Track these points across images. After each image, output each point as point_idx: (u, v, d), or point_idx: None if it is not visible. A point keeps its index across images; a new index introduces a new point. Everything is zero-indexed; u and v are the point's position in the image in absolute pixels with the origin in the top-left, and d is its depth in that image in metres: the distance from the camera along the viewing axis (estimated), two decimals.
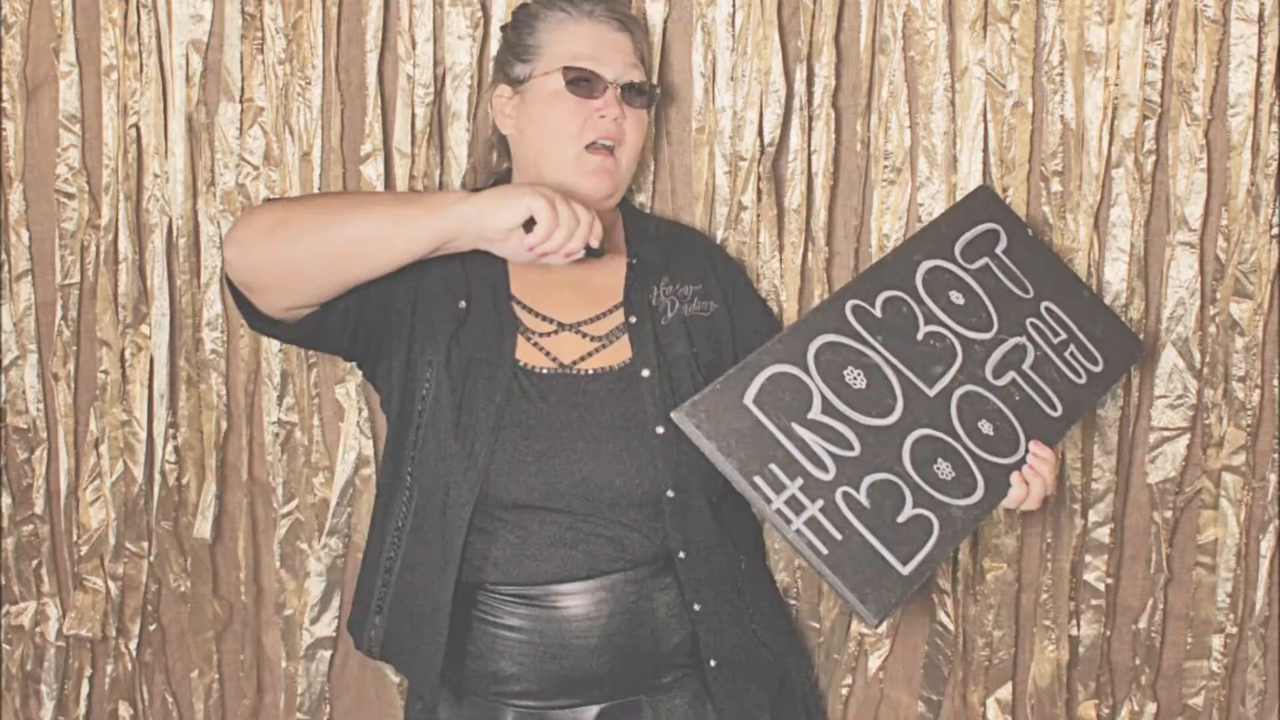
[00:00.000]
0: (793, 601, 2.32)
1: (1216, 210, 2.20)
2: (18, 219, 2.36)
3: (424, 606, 1.90)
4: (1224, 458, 2.26)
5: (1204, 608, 2.30)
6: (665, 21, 2.23)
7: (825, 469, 1.75)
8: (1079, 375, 1.97)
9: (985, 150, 2.21)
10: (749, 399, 1.75)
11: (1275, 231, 2.19)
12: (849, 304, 1.87)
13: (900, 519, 1.76)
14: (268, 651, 2.45)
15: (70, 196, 2.34)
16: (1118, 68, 2.17)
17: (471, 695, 1.95)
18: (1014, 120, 2.20)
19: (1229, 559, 2.28)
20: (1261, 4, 2.13)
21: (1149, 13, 2.16)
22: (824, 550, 1.71)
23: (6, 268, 2.37)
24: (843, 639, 2.35)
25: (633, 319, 1.96)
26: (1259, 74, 2.15)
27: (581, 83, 1.95)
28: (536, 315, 1.95)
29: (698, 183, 2.25)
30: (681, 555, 1.91)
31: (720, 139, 2.23)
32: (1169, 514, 2.28)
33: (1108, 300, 2.22)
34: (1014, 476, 1.85)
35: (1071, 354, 1.99)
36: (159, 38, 2.30)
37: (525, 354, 1.91)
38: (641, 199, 2.28)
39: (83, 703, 2.48)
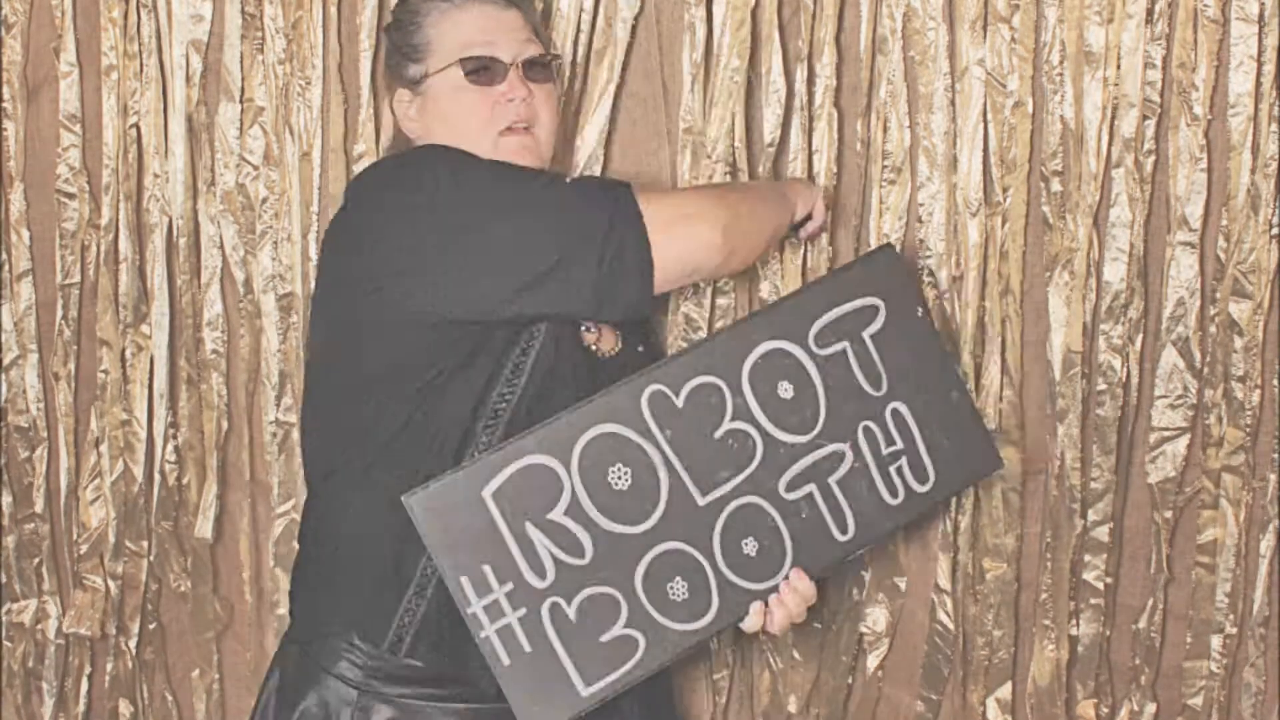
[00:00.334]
0: None
1: (1217, 210, 2.20)
2: (18, 219, 2.36)
3: None
4: (1223, 458, 2.26)
5: (1203, 608, 2.30)
6: (657, 20, 2.23)
7: (543, 576, 1.71)
8: (894, 495, 1.88)
9: (985, 150, 2.21)
10: (489, 491, 1.69)
11: (1275, 231, 2.19)
12: (649, 389, 1.76)
13: (604, 638, 1.72)
14: (267, 651, 2.45)
15: (70, 196, 2.35)
16: (1118, 68, 2.17)
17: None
18: (1014, 120, 2.20)
19: (1228, 559, 2.28)
20: (1261, 4, 2.13)
21: (1149, 13, 2.16)
22: (506, 661, 1.69)
23: (7, 268, 2.37)
24: (843, 638, 2.35)
25: None
26: (1259, 74, 2.15)
27: (481, 71, 1.90)
28: None
29: (683, 184, 2.24)
30: None
31: (709, 139, 2.23)
32: (1169, 514, 2.28)
33: (1107, 302, 2.22)
34: (755, 605, 1.79)
35: (898, 469, 1.89)
36: (159, 38, 2.30)
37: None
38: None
39: (83, 700, 2.49)
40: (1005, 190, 2.22)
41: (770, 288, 2.26)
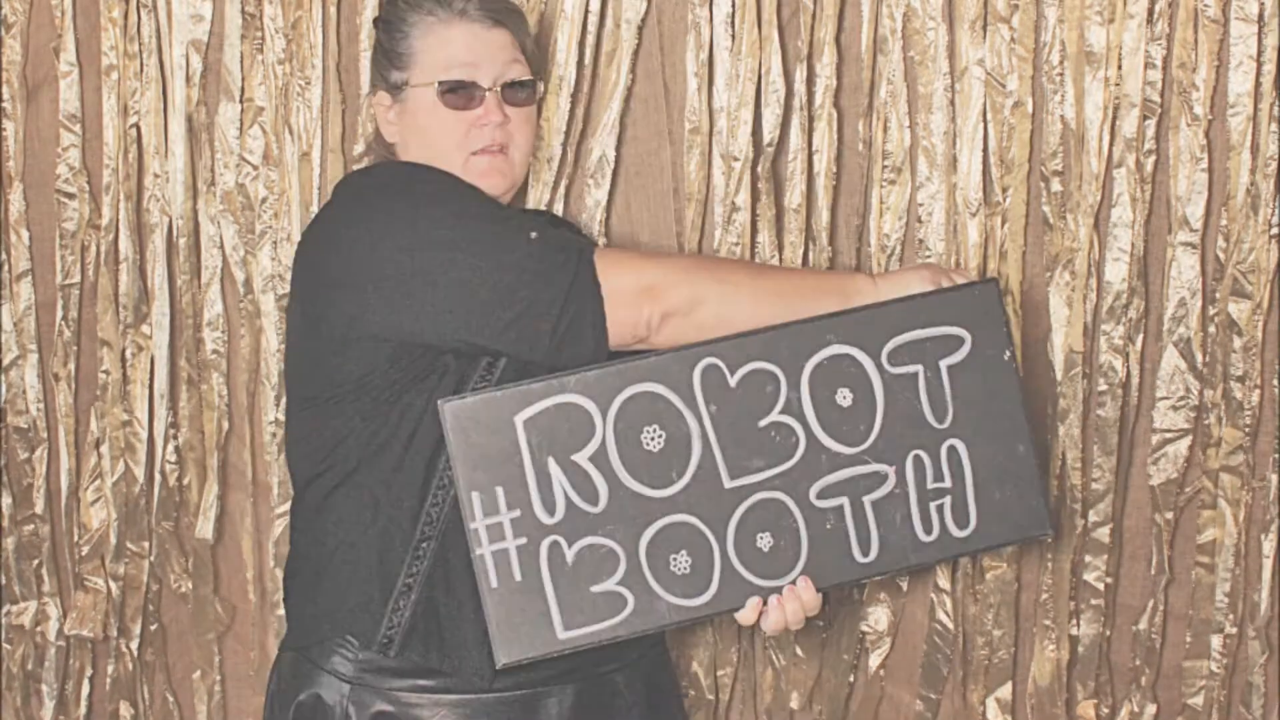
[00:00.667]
0: None
1: (1217, 210, 2.20)
2: (18, 219, 2.36)
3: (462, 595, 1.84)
4: (1223, 458, 2.26)
5: (1203, 608, 2.30)
6: (659, 21, 2.23)
7: (552, 513, 1.71)
8: (929, 532, 1.80)
9: (985, 150, 2.21)
10: (522, 417, 1.70)
11: (1275, 231, 2.19)
12: (705, 361, 1.74)
13: (595, 589, 1.72)
14: (269, 652, 2.45)
15: (70, 196, 2.34)
16: (1118, 68, 2.17)
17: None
18: (1014, 120, 2.20)
19: (1227, 559, 2.28)
20: (1261, 4, 2.13)
21: (1150, 13, 2.16)
22: (494, 584, 1.69)
23: (7, 268, 2.37)
24: (845, 636, 2.35)
25: None
26: (1259, 74, 2.15)
27: (458, 93, 1.89)
28: None
29: (691, 183, 2.24)
30: None
31: (717, 139, 2.23)
32: (1169, 514, 2.28)
33: (1108, 302, 2.22)
34: (753, 599, 1.76)
35: (939, 507, 1.80)
36: (159, 38, 2.30)
37: None
38: (641, 200, 2.28)
39: (83, 703, 2.48)
40: (1005, 190, 2.22)
41: None
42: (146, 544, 2.42)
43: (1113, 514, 2.28)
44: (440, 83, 1.89)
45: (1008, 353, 1.82)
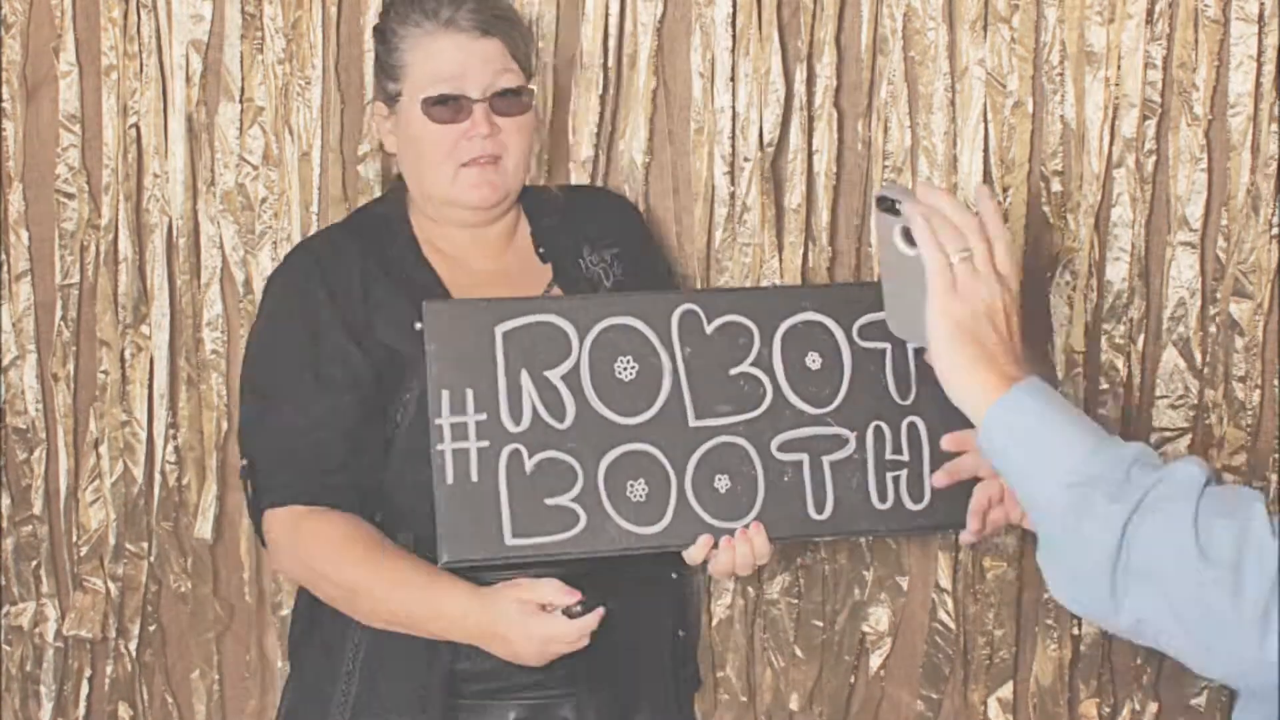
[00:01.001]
0: (794, 600, 2.33)
1: (1217, 210, 2.21)
2: (17, 219, 2.36)
3: (413, 645, 1.86)
4: (1224, 458, 2.26)
5: None
6: (661, 21, 2.23)
7: (518, 422, 1.72)
8: (884, 500, 1.81)
9: (985, 150, 2.21)
10: (502, 329, 1.72)
11: (1275, 231, 2.19)
12: (684, 306, 1.77)
13: (549, 501, 1.72)
14: (269, 653, 2.45)
15: (70, 196, 2.34)
16: (1118, 68, 2.17)
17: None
18: (1014, 120, 2.20)
19: None
20: (1261, 4, 2.13)
21: (1150, 13, 2.16)
22: (449, 480, 1.70)
23: (6, 268, 2.37)
24: (846, 637, 2.35)
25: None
26: (1259, 74, 2.15)
27: (445, 107, 1.87)
28: None
29: (697, 183, 2.24)
30: None
31: (720, 139, 2.23)
32: None
33: (1109, 301, 2.22)
34: (704, 537, 1.75)
35: (896, 478, 1.81)
36: (159, 38, 2.30)
37: None
38: (641, 198, 2.28)
39: (82, 704, 2.48)
40: (1005, 190, 2.22)
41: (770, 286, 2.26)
42: (145, 544, 2.41)
43: None
44: (426, 98, 1.88)
45: None
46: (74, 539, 2.43)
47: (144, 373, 2.37)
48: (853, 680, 2.37)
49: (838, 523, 1.81)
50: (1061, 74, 2.18)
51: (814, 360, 1.80)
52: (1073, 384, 2.24)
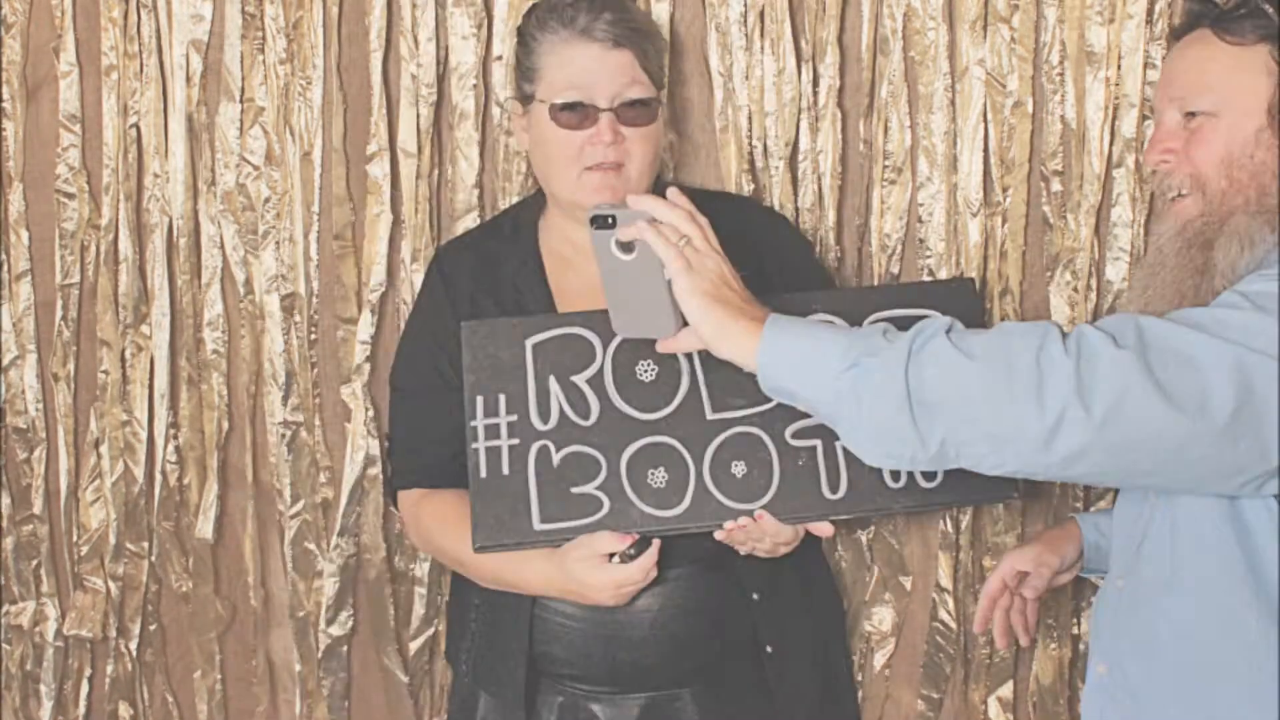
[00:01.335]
0: None
1: None
2: (17, 219, 2.36)
3: (506, 620, 2.02)
4: None
5: None
6: (671, 21, 2.23)
7: (546, 421, 1.86)
8: (896, 479, 1.88)
9: (985, 150, 2.22)
10: (531, 341, 1.88)
11: None
12: None
13: (574, 490, 1.84)
14: (274, 654, 2.45)
15: (70, 196, 2.34)
16: (1118, 68, 2.18)
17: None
18: (1014, 120, 2.20)
19: None
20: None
21: (1149, 13, 2.16)
22: (483, 475, 1.84)
23: (6, 268, 2.36)
24: (852, 638, 2.36)
25: None
26: None
27: (572, 114, 1.93)
28: None
29: (727, 183, 2.25)
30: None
31: (741, 138, 2.23)
32: None
33: (1108, 301, 2.22)
34: (729, 523, 1.84)
35: None
36: (159, 38, 2.30)
37: None
38: None
39: (82, 703, 2.48)
40: (1005, 190, 2.23)
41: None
42: (146, 544, 2.41)
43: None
44: (555, 103, 1.93)
45: None
46: (74, 538, 2.43)
47: (144, 372, 2.37)
48: (859, 679, 2.37)
49: (852, 502, 1.87)
50: (1061, 74, 2.19)
51: None
52: None
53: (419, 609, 2.39)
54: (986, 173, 2.22)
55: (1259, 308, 1.53)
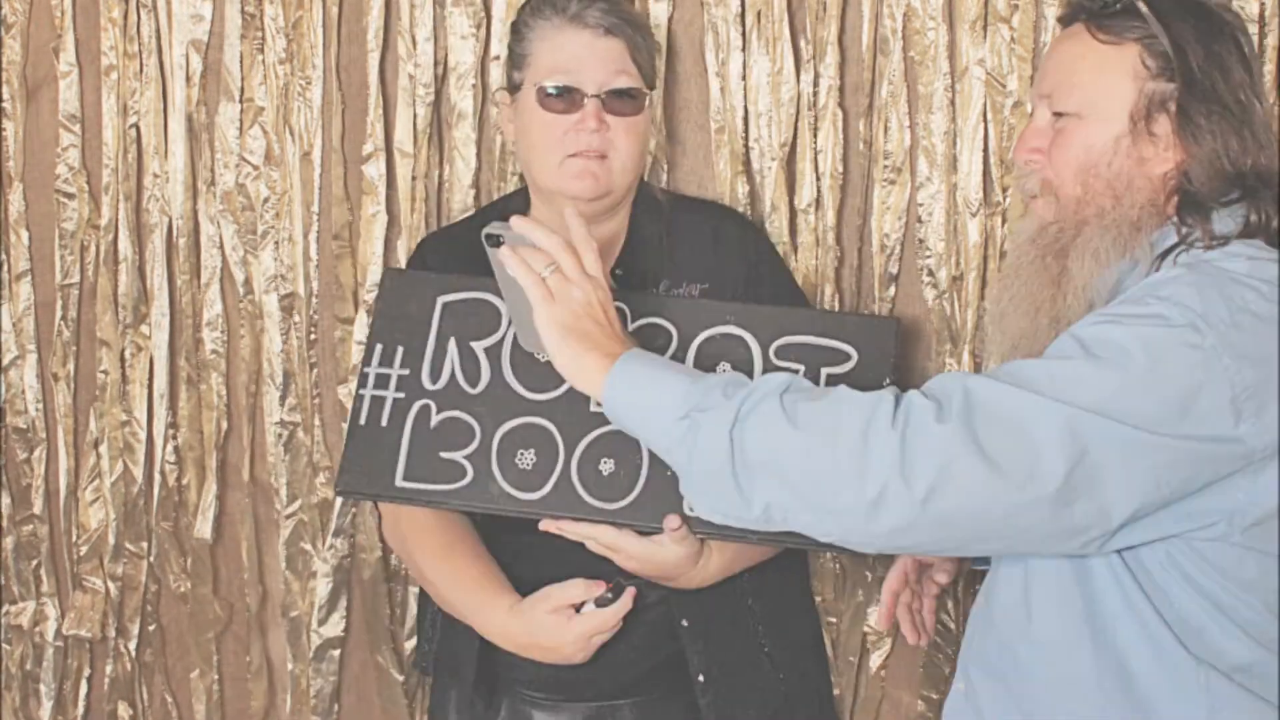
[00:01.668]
0: None
1: None
2: (17, 219, 2.36)
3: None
4: None
5: None
6: (669, 21, 2.23)
7: (435, 381, 1.86)
8: None
9: (985, 150, 2.22)
10: (444, 299, 1.88)
11: None
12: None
13: (443, 455, 1.83)
14: (271, 653, 2.45)
15: (70, 196, 2.34)
16: None
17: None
18: (1014, 120, 2.20)
19: None
20: (1261, 4, 2.14)
21: None
22: (361, 422, 1.84)
23: (6, 268, 2.37)
24: (849, 638, 2.35)
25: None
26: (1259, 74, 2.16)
27: (557, 99, 1.93)
28: None
29: (720, 184, 2.25)
30: None
31: (735, 139, 2.23)
32: None
33: None
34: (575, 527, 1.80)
35: None
36: (159, 38, 2.30)
37: None
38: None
39: (81, 703, 2.48)
40: (1005, 190, 2.22)
41: None
42: (145, 544, 2.41)
43: None
44: (542, 87, 1.93)
45: (887, 380, 1.85)
46: (74, 538, 2.43)
47: (144, 372, 2.37)
48: (855, 680, 2.37)
49: (709, 525, 1.76)
50: None
51: (723, 369, 1.85)
52: None
53: (414, 609, 2.39)
54: (986, 173, 2.22)
55: (1091, 356, 1.47)
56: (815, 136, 2.23)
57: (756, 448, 1.49)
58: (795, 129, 2.23)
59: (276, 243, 2.31)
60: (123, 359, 2.37)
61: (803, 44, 2.22)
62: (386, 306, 1.89)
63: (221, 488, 2.40)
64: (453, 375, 1.86)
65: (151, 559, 2.42)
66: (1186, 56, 1.58)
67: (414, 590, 2.39)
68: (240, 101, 2.30)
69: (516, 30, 2.00)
